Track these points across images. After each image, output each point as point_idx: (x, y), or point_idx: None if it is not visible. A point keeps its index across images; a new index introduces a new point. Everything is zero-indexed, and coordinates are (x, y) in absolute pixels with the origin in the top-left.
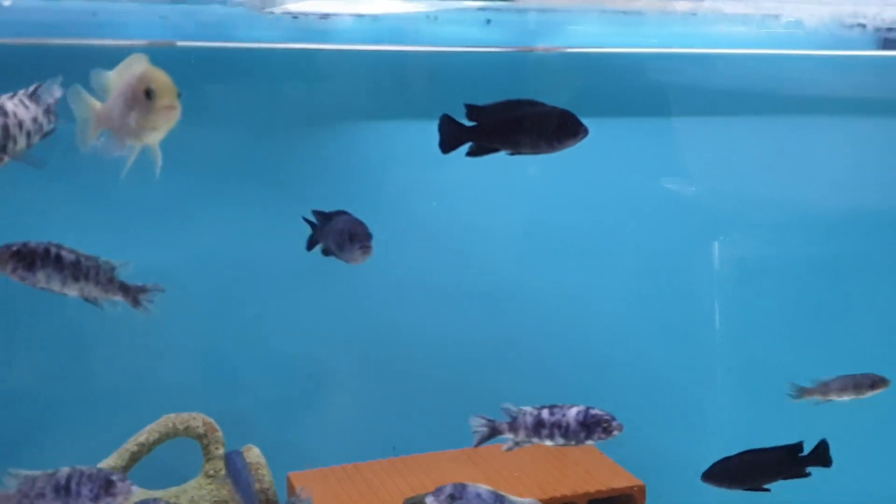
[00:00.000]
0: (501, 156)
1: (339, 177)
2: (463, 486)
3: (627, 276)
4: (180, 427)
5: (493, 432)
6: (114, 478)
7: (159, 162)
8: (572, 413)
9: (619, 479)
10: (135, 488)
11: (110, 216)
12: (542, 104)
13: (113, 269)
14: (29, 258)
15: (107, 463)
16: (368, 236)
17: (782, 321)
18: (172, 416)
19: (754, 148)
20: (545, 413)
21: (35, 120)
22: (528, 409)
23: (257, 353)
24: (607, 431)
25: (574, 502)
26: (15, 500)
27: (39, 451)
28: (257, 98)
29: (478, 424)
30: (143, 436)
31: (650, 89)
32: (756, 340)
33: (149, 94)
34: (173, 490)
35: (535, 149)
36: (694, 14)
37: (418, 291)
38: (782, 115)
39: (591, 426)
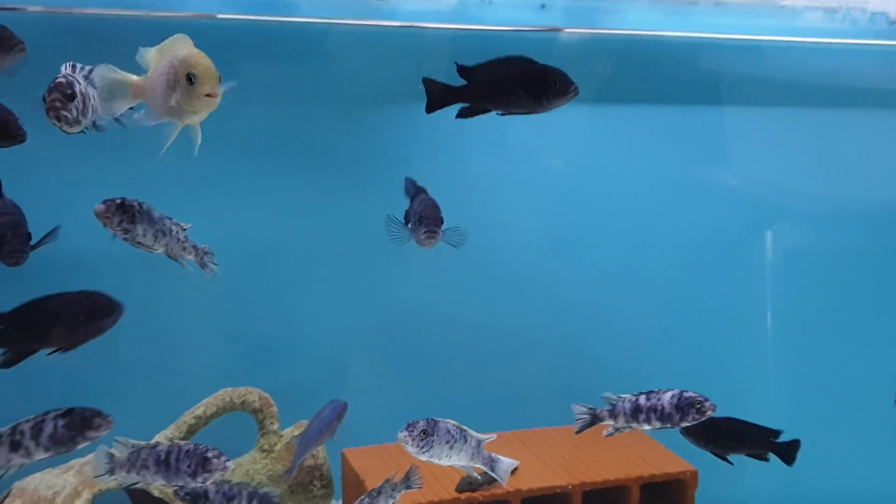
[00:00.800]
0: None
1: (394, 158)
2: (435, 422)
3: (676, 264)
4: (237, 401)
5: (595, 419)
6: (210, 455)
7: (198, 141)
8: (667, 397)
9: (672, 465)
10: (230, 465)
11: (162, 192)
12: (533, 62)
13: (184, 228)
14: (130, 211)
15: (164, 434)
16: (438, 221)
17: (831, 312)
18: (229, 390)
19: (814, 140)
20: (642, 399)
21: (95, 98)
22: (626, 395)
23: (311, 333)
24: (701, 412)
25: (628, 486)
26: (126, 467)
27: None
28: (314, 76)
29: (580, 412)
30: (201, 409)
31: (710, 77)
32: (804, 329)
33: (191, 78)
34: None
35: (525, 108)
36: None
37: (470, 276)
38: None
39: (686, 408)
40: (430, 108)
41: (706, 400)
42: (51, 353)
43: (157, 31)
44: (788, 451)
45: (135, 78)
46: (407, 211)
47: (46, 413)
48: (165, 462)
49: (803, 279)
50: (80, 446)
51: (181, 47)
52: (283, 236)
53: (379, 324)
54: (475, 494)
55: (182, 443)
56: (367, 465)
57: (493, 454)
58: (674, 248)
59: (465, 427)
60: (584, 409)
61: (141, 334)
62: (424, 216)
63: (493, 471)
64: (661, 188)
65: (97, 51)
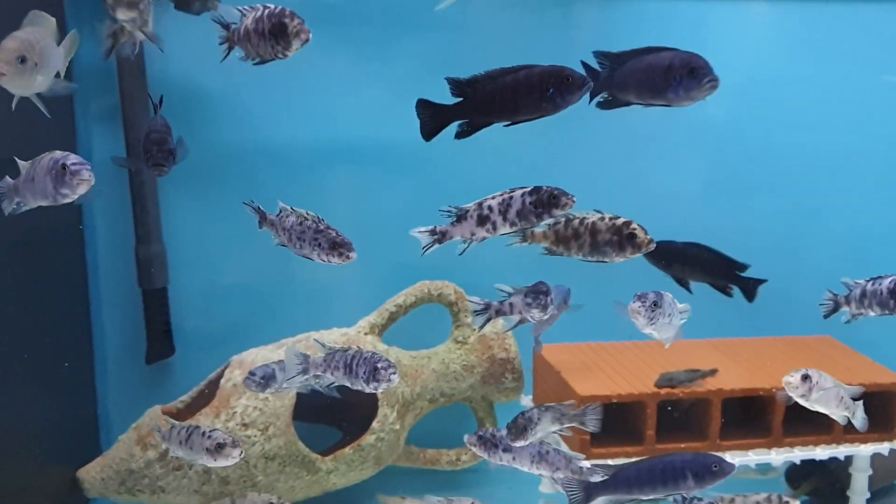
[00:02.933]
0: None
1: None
2: (661, 295)
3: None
4: (434, 293)
5: (837, 305)
6: (380, 365)
7: None
8: (886, 282)
9: (882, 376)
10: (396, 378)
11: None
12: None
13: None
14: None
15: (367, 320)
16: (713, 74)
17: None
18: (427, 282)
19: None
20: (869, 285)
21: None
22: (860, 281)
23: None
24: None
25: None
26: (322, 367)
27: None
28: None
29: (827, 297)
30: (401, 298)
31: None
32: None
33: None
34: (424, 352)
35: (537, 112)
36: None
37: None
38: None
39: None
40: (428, 135)
41: None
42: (508, 125)
43: None
44: (750, 287)
45: None
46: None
47: (513, 190)
48: (350, 366)
49: None
50: (542, 222)
51: None
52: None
53: None
54: (675, 391)
55: (365, 350)
56: (561, 359)
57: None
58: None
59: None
60: (830, 296)
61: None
62: (697, 66)
63: (666, 342)
64: (867, 93)
65: None
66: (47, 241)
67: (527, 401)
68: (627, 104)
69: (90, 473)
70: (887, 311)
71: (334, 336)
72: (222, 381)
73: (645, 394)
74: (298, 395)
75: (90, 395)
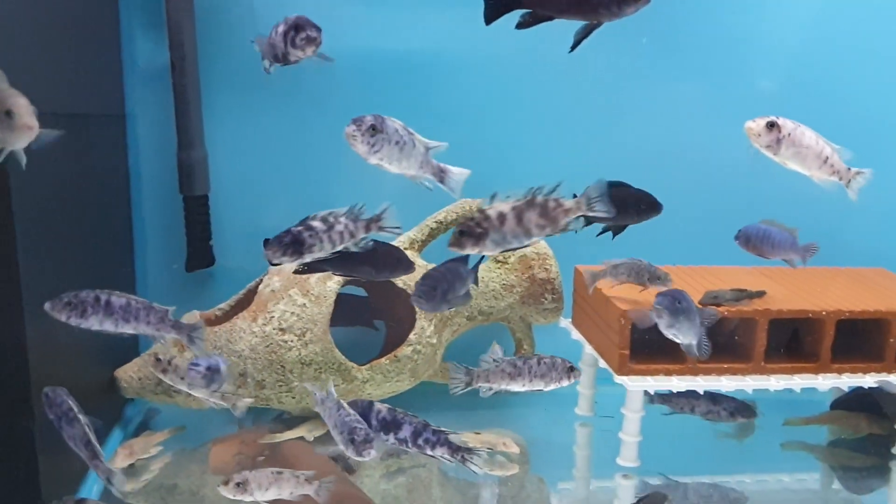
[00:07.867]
0: None
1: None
2: (383, 119)
3: None
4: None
5: None
6: None
7: None
8: None
9: None
10: None
11: None
12: None
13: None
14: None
15: (408, 235)
16: None
17: None
18: (469, 199)
19: None
20: None
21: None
22: None
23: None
24: None
25: (887, 319)
26: None
27: None
28: None
29: None
30: (442, 214)
31: None
32: None
33: None
34: None
35: (594, 16)
36: None
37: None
38: None
39: None
40: (489, 18)
41: None
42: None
43: None
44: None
45: None
46: None
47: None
48: None
49: None
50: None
51: None
52: None
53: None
54: (720, 309)
55: None
56: (603, 279)
57: (443, 164)
58: None
59: (412, 130)
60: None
61: None
62: None
63: (443, 182)
64: None
65: None
66: (91, 146)
67: (566, 323)
68: None
69: (128, 373)
70: None
71: None
72: (260, 287)
73: None
74: (336, 301)
75: None
